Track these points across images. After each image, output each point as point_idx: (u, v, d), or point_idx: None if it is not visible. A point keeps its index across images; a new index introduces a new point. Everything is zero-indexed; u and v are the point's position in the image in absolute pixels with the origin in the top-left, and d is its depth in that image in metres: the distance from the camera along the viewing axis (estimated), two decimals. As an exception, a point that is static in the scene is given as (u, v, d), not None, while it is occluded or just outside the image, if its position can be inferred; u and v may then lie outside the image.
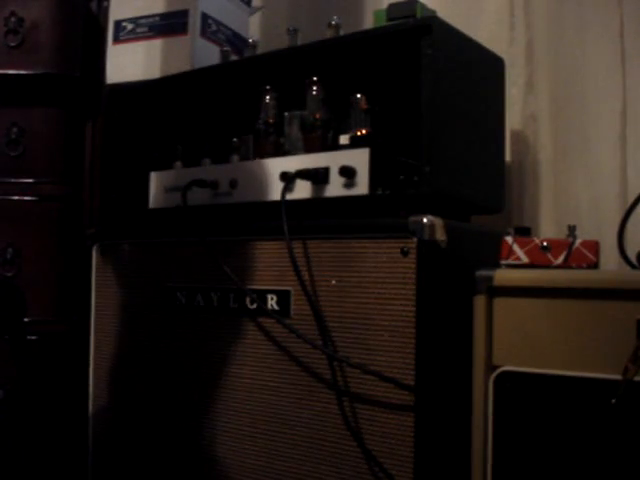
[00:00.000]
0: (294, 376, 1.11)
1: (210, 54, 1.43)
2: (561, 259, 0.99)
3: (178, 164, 1.41)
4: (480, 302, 0.97)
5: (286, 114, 1.26)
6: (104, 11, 1.60)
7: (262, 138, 1.27)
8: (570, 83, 1.40)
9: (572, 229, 1.01)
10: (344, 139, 1.16)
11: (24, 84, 1.54)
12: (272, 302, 1.13)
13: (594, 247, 0.98)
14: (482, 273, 0.97)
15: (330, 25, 1.22)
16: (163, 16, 1.46)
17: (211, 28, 1.46)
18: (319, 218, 1.11)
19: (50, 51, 1.54)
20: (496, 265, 1.01)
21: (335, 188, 1.11)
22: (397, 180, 1.12)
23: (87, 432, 1.41)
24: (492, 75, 1.27)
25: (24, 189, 1.55)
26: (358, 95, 1.17)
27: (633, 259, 1.03)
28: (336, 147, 1.16)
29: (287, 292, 1.12)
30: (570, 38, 1.40)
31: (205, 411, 1.22)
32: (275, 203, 1.14)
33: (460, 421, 0.99)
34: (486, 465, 0.96)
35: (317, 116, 1.20)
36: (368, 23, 1.50)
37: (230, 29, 1.52)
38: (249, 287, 1.16)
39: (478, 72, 1.21)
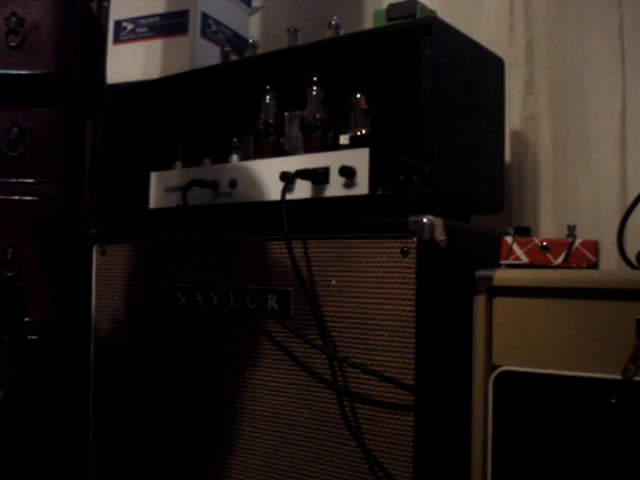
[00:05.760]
0: (294, 376, 1.11)
1: (210, 54, 1.43)
2: (561, 259, 0.99)
3: (178, 164, 1.41)
4: (480, 302, 0.97)
5: (286, 114, 1.26)
6: (104, 11, 1.60)
7: (262, 138, 1.27)
8: (570, 83, 1.40)
9: (572, 229, 1.01)
10: (344, 139, 1.16)
11: (24, 84, 1.54)
12: (272, 302, 1.13)
13: (594, 247, 0.98)
14: (482, 273, 0.97)
15: (330, 25, 1.22)
16: (163, 16, 1.46)
17: (211, 28, 1.46)
18: (319, 218, 1.11)
19: (50, 51, 1.54)
20: (496, 265, 1.01)
21: (335, 188, 1.11)
22: (397, 180, 1.12)
23: (87, 432, 1.41)
24: (492, 75, 1.27)
25: (24, 189, 1.55)
26: (358, 95, 1.17)
27: (633, 259, 1.03)
28: (336, 147, 1.16)
29: (287, 292, 1.12)
30: (570, 38, 1.40)
31: (205, 411, 1.22)
32: (275, 203, 1.14)
33: (460, 421, 0.99)
34: (486, 465, 0.96)
35: (317, 116, 1.20)
36: (368, 23, 1.50)
37: (230, 29, 1.52)
38: (249, 287, 1.16)
39: (478, 72, 1.21)
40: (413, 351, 0.99)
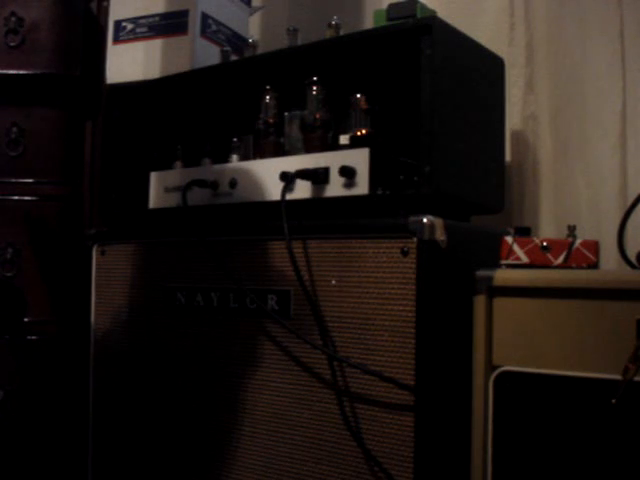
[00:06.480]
0: (294, 376, 1.11)
1: (210, 54, 1.43)
2: (561, 259, 0.99)
3: (178, 164, 1.41)
4: (480, 302, 0.97)
5: (286, 114, 1.26)
6: (104, 11, 1.60)
7: (262, 138, 1.27)
8: (570, 83, 1.40)
9: (572, 229, 1.01)
10: (344, 139, 1.16)
11: (24, 84, 1.54)
12: (272, 302, 1.13)
13: (594, 247, 0.98)
14: (482, 273, 0.97)
15: (330, 25, 1.22)
16: (163, 16, 1.45)
17: (211, 28, 1.46)
18: (319, 218, 1.11)
19: (50, 51, 1.53)
20: (496, 265, 1.01)
21: (335, 188, 1.11)
22: (397, 180, 1.12)
23: (87, 432, 1.41)
24: (492, 75, 1.27)
25: (24, 189, 1.54)
26: (358, 95, 1.17)
27: (633, 259, 1.03)
28: (336, 147, 1.16)
29: (287, 292, 1.12)
30: (570, 38, 1.40)
31: (205, 411, 1.22)
32: (275, 203, 1.14)
33: (460, 421, 0.99)
34: (486, 465, 0.96)
35: (317, 116, 1.20)
36: (368, 23, 1.50)
37: (230, 29, 1.52)
38: (249, 287, 1.16)
39: (478, 72, 1.21)
40: (413, 351, 0.99)
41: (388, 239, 1.02)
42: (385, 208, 1.07)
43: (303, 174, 1.13)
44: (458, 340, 1.01)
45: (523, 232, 1.03)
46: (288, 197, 1.13)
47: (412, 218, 1.00)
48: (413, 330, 0.99)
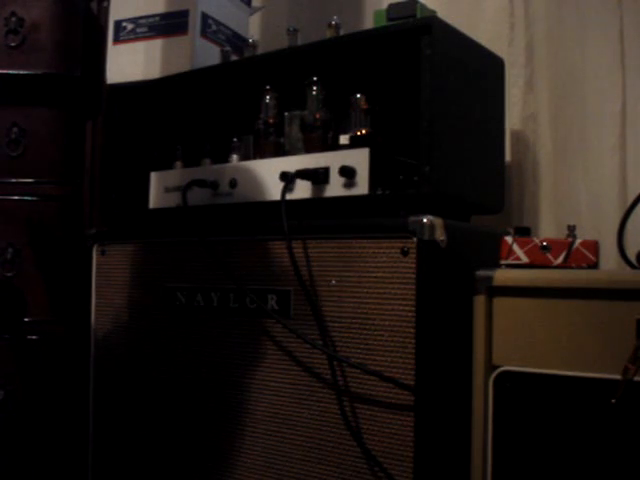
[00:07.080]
0: (294, 376, 1.11)
1: (210, 54, 1.43)
2: (561, 259, 0.99)
3: (178, 164, 1.41)
4: (480, 302, 0.97)
5: (286, 114, 1.26)
6: (104, 11, 1.60)
7: (262, 138, 1.27)
8: (570, 83, 1.40)
9: (572, 229, 1.01)
10: (344, 139, 1.16)
11: (24, 84, 1.54)
12: (272, 302, 1.13)
13: (594, 247, 0.98)
14: (482, 273, 0.98)
15: (330, 25, 1.22)
16: (163, 16, 1.46)
17: (211, 28, 1.46)
18: (319, 218, 1.11)
19: (50, 51, 1.54)
20: (496, 265, 1.01)
21: (335, 188, 1.11)
22: (397, 180, 1.12)
23: (87, 432, 1.41)
24: (492, 75, 1.27)
25: (24, 189, 1.55)
26: (358, 95, 1.17)
27: (633, 259, 1.03)
28: (336, 147, 1.16)
29: (287, 292, 1.12)
30: (570, 38, 1.40)
31: (205, 411, 1.22)
32: (275, 203, 1.14)
33: (460, 421, 0.99)
34: (486, 465, 0.96)
35: (317, 116, 1.20)
36: (368, 23, 1.50)
37: (230, 29, 1.52)
38: (249, 287, 1.16)
39: (478, 72, 1.21)
40: (413, 351, 0.99)
41: (388, 239, 1.02)
42: (385, 208, 1.07)
43: (303, 174, 1.13)
44: (458, 340, 1.01)
45: (523, 232, 1.04)
46: (288, 197, 1.13)
47: (412, 218, 1.00)
48: (413, 330, 0.99)
